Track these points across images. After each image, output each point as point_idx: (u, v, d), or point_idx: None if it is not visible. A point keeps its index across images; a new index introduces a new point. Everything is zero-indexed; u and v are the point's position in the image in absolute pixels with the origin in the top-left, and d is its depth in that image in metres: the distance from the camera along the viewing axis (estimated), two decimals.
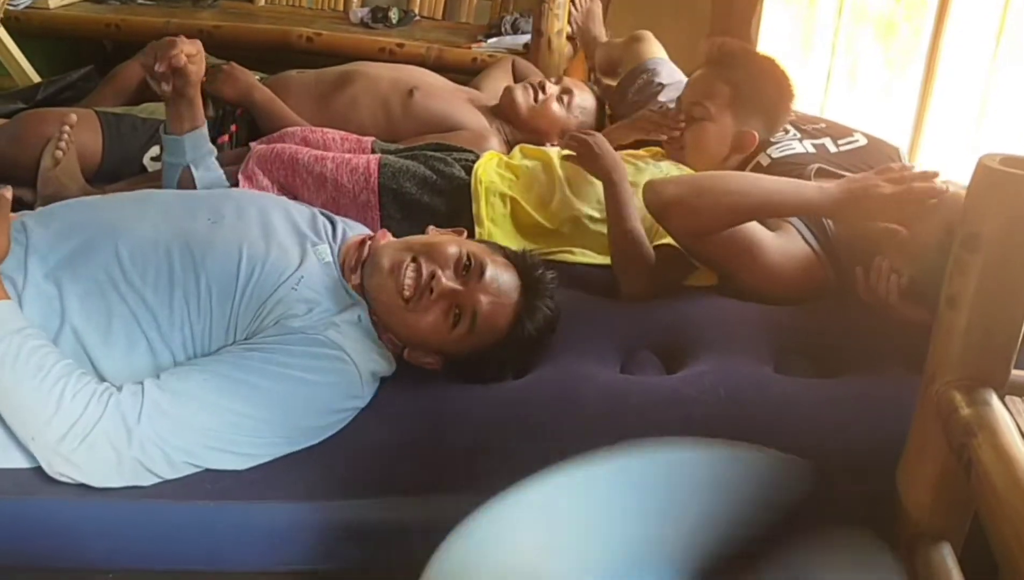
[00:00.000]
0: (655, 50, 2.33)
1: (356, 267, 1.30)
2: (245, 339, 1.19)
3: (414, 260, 1.25)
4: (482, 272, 1.25)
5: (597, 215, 1.73)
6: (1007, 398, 0.99)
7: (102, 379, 1.13)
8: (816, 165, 1.56)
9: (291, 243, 1.29)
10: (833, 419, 1.18)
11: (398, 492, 1.13)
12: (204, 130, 1.54)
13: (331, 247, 1.33)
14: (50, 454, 1.06)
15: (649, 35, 2.38)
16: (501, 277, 1.27)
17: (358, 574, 1.13)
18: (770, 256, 1.41)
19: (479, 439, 1.16)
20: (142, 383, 1.10)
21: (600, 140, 1.54)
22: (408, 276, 1.23)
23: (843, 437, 1.16)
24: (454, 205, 1.64)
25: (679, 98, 1.82)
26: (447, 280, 1.23)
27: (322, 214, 1.43)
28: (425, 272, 1.23)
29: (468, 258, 1.25)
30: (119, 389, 1.09)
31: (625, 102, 2.25)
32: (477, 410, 1.21)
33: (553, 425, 1.17)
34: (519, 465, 0.89)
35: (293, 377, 1.14)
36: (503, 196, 1.66)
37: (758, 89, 1.69)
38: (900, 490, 1.06)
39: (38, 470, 1.09)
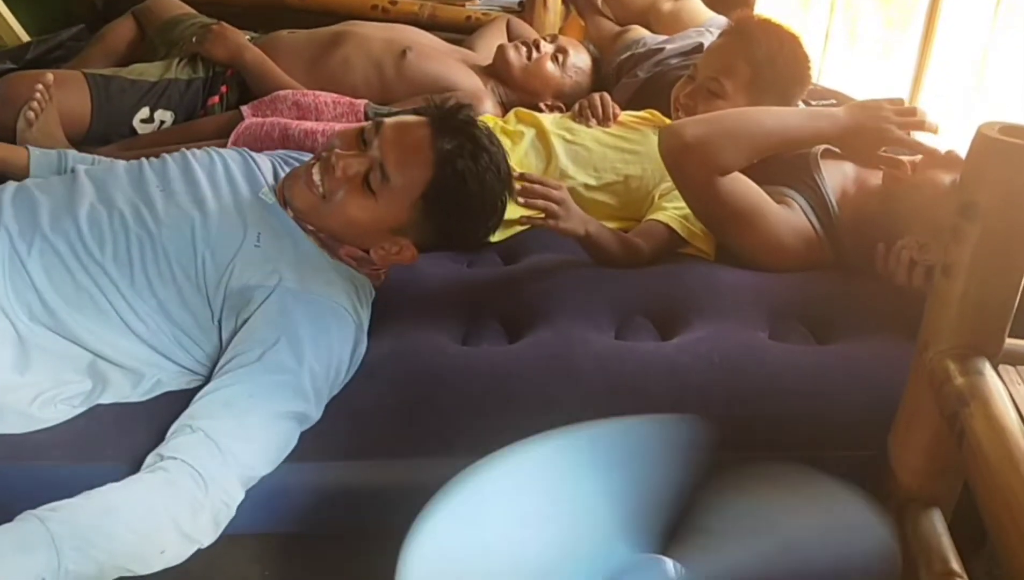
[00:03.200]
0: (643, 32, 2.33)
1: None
2: (230, 309, 1.18)
3: (317, 158, 1.26)
4: (378, 129, 1.24)
5: (593, 182, 1.73)
6: (1001, 367, 0.99)
7: (84, 347, 1.13)
8: (822, 146, 1.54)
9: (244, 198, 1.27)
10: (826, 385, 1.18)
11: (390, 455, 1.13)
12: (35, 153, 1.48)
13: (274, 188, 1.31)
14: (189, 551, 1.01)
15: (641, 29, 2.37)
16: (402, 121, 1.26)
17: (348, 536, 1.14)
18: (773, 223, 1.41)
19: (472, 402, 1.16)
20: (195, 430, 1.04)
21: (565, 199, 1.41)
22: (315, 173, 1.24)
23: (835, 403, 1.16)
24: None
25: (695, 65, 1.79)
26: (344, 152, 1.23)
27: (279, 158, 1.41)
28: (326, 156, 1.23)
29: (363, 130, 1.25)
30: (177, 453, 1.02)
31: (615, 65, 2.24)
32: (470, 373, 1.21)
33: (547, 390, 1.17)
34: (512, 429, 0.88)
35: (311, 353, 1.13)
36: None
37: (777, 71, 1.66)
38: (891, 456, 1.07)
39: (29, 435, 1.09)
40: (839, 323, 1.32)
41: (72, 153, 1.55)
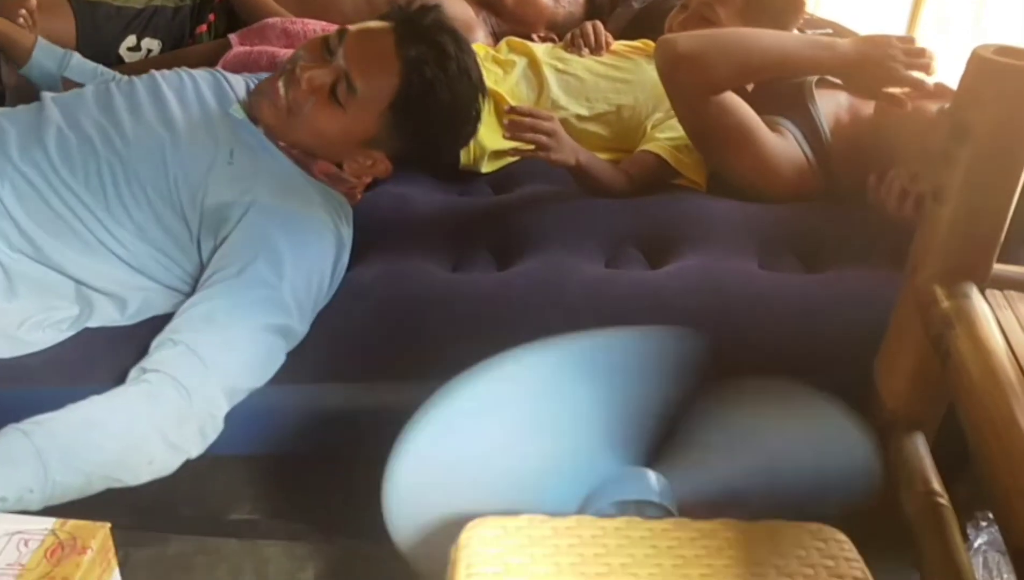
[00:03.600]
0: None
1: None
2: (208, 227, 1.17)
3: (282, 71, 1.24)
4: (342, 38, 1.22)
5: (585, 113, 1.71)
6: (988, 292, 0.99)
7: (66, 275, 1.12)
8: (816, 76, 1.52)
9: (214, 115, 1.26)
10: (814, 311, 1.19)
11: (376, 378, 1.13)
12: (43, 42, 1.52)
13: (244, 104, 1.29)
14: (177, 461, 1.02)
15: None
16: (366, 28, 1.24)
17: (335, 459, 1.15)
18: (765, 146, 1.40)
19: (459, 327, 1.16)
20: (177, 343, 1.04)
21: (556, 130, 1.38)
22: (280, 86, 1.22)
23: (823, 328, 1.17)
24: None
25: None
26: (309, 64, 1.21)
27: (255, 78, 1.39)
28: (290, 70, 1.22)
29: (327, 40, 1.23)
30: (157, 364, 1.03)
31: None
32: (458, 299, 1.21)
33: (534, 315, 1.17)
34: (498, 354, 0.89)
35: (291, 266, 1.12)
36: (488, 91, 1.63)
37: None
38: (877, 379, 1.08)
39: (18, 359, 1.09)
40: (829, 252, 1.32)
41: (77, 57, 1.56)
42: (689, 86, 1.36)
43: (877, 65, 1.37)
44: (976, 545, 1.04)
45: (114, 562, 0.90)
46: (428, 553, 0.81)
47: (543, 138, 1.36)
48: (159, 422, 0.98)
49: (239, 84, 1.34)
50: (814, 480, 0.83)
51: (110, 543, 0.89)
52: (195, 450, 1.01)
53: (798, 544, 0.75)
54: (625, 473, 0.80)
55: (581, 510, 0.80)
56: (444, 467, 0.78)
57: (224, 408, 1.03)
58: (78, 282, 1.14)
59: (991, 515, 1.10)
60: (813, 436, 0.86)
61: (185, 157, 1.18)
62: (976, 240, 0.97)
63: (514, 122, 1.36)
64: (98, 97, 1.27)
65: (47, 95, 1.30)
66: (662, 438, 0.82)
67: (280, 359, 1.10)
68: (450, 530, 0.76)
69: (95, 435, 0.95)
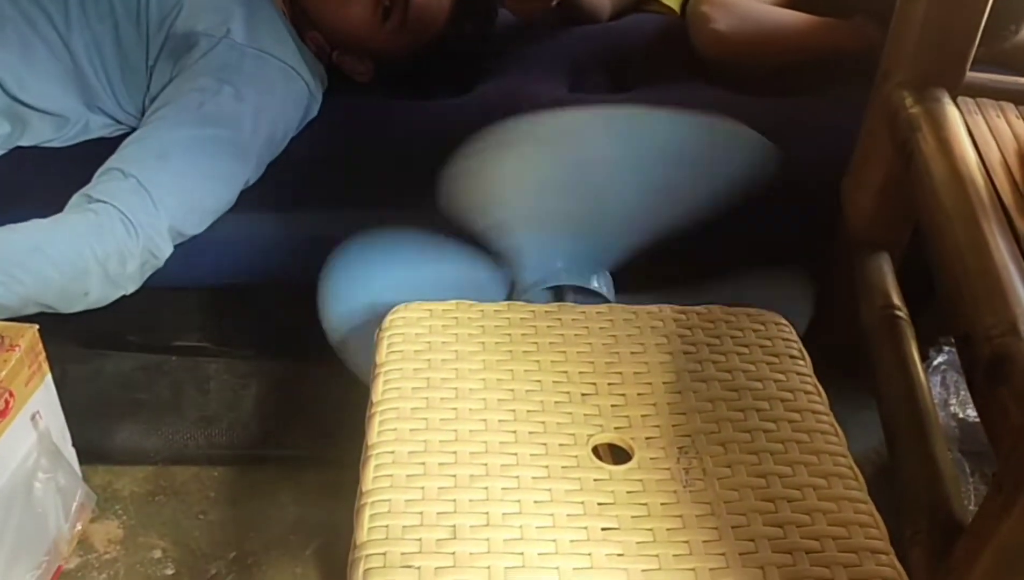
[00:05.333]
0: None
1: None
2: (169, 53, 1.11)
3: None
4: None
5: None
6: (960, 99, 0.95)
7: (4, 91, 1.06)
8: None
9: None
10: (784, 134, 1.13)
11: (328, 204, 1.09)
12: None
13: None
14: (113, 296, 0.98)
15: None
16: None
17: (305, 285, 1.13)
18: (789, 24, 1.30)
19: (411, 152, 1.11)
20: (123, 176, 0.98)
21: None
22: None
23: (791, 151, 1.12)
24: None
25: None
26: None
27: None
28: None
29: None
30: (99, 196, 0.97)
31: None
32: (414, 125, 1.15)
33: None
34: None
35: (253, 109, 1.07)
36: None
37: None
38: (844, 199, 1.04)
39: None
40: (802, 78, 1.26)
41: None
42: (726, 62, 1.26)
43: None
44: (935, 364, 1.02)
45: (45, 367, 0.88)
46: (361, 345, 0.78)
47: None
48: (101, 256, 0.93)
49: None
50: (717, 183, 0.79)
51: (39, 346, 0.87)
52: (132, 287, 0.97)
53: (735, 326, 0.73)
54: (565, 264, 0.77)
55: (511, 297, 0.77)
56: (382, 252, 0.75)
57: (167, 251, 0.99)
58: (13, 99, 1.07)
59: (952, 339, 1.08)
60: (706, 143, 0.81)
61: None
62: (949, 42, 0.92)
63: None
64: None
65: None
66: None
67: (226, 208, 1.05)
68: (381, 318, 0.73)
69: (37, 260, 0.91)
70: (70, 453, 0.94)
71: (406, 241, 0.80)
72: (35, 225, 0.94)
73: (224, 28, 1.11)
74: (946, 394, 0.99)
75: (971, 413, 0.98)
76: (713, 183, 0.76)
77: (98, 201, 0.96)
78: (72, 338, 1.08)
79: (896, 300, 0.96)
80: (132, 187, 0.97)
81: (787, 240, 1.09)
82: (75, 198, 0.98)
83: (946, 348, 1.04)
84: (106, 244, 0.93)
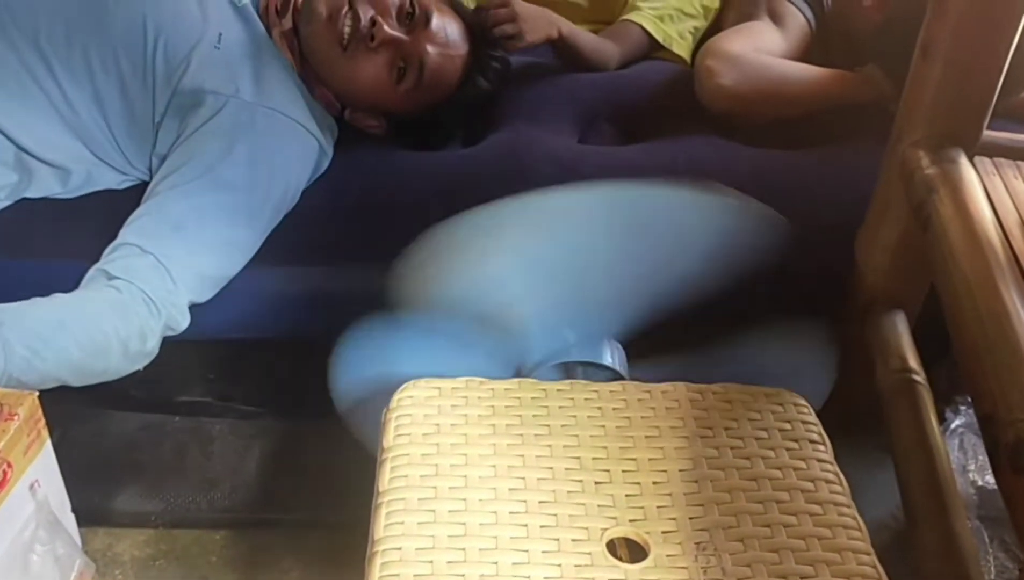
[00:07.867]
0: None
1: (284, 10, 1.17)
2: (176, 109, 1.09)
3: (351, 6, 1.13)
4: (427, 21, 1.15)
5: None
6: (977, 159, 0.93)
7: (7, 137, 1.05)
8: None
9: None
10: (795, 188, 1.12)
11: (344, 259, 1.08)
12: None
13: None
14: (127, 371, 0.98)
15: None
16: (448, 27, 1.17)
17: (310, 341, 1.11)
18: (795, 77, 1.28)
19: (424, 206, 1.10)
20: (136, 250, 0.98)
21: (515, 13, 1.24)
22: (346, 24, 1.12)
23: (803, 205, 1.10)
24: None
25: None
26: (389, 28, 1.13)
27: None
28: (364, 19, 1.12)
29: (411, 5, 1.15)
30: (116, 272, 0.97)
31: None
32: (424, 177, 1.15)
33: (502, 192, 1.10)
34: None
35: (266, 172, 1.06)
36: None
37: None
38: (858, 255, 1.03)
39: None
40: (813, 129, 1.24)
41: None
42: (730, 115, 1.25)
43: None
44: (953, 427, 1.00)
45: (44, 434, 0.86)
46: (370, 420, 0.76)
47: (506, 28, 1.25)
48: (124, 335, 0.93)
49: None
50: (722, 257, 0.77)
51: (39, 412, 0.85)
52: (146, 362, 0.97)
53: (752, 407, 0.71)
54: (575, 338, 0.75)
55: (520, 373, 0.75)
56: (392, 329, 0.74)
57: (184, 325, 0.99)
58: (19, 148, 1.07)
59: (969, 399, 1.06)
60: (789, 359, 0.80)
61: (168, 27, 1.09)
62: (965, 101, 0.90)
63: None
64: None
65: None
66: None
67: (236, 272, 1.05)
68: (390, 394, 0.72)
69: (61, 337, 0.90)
70: (69, 520, 0.92)
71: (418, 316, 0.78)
72: (59, 301, 0.94)
73: (233, 86, 1.10)
74: (964, 459, 0.97)
75: (989, 479, 0.96)
76: (722, 260, 0.74)
77: (119, 279, 0.96)
78: (74, 395, 1.06)
79: (913, 362, 0.94)
80: (151, 264, 0.97)
81: (801, 298, 1.07)
82: (93, 273, 0.97)
83: (963, 408, 1.02)
84: (130, 324, 0.94)
